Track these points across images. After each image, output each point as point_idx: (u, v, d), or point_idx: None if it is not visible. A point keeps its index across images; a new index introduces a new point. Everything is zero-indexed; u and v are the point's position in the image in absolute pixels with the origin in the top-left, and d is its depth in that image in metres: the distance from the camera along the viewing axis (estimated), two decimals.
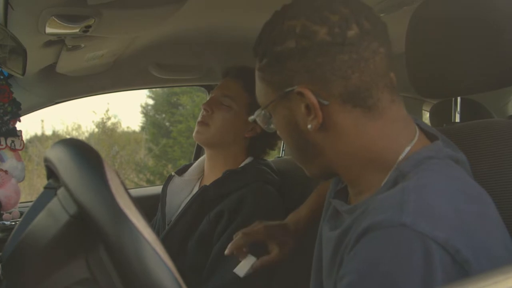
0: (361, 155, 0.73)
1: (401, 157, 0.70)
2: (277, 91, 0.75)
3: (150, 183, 6.45)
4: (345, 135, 0.73)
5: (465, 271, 0.58)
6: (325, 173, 0.80)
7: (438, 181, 0.66)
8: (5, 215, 1.47)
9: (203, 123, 1.37)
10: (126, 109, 9.93)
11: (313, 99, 0.71)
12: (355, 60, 0.69)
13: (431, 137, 0.76)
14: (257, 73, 0.78)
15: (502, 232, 0.67)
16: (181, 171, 1.48)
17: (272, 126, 0.81)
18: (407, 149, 0.71)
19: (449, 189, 0.65)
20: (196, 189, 1.42)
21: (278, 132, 0.81)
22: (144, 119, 7.32)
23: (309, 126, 0.73)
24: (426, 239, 0.58)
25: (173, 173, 1.48)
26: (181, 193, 1.44)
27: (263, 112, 0.80)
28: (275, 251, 1.03)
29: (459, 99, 0.97)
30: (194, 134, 1.39)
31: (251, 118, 0.83)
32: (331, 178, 0.90)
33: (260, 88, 0.79)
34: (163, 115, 7.14)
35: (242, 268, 1.01)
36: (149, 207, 1.51)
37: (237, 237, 1.04)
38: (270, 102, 0.77)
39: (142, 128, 7.39)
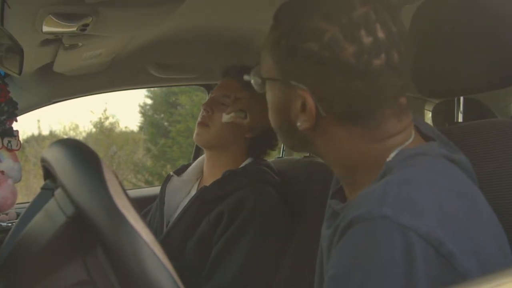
0: (350, 157, 0.73)
1: (391, 155, 0.69)
2: (281, 74, 0.72)
3: (149, 183, 6.45)
4: (335, 142, 0.72)
5: (450, 264, 0.57)
6: (307, 151, 0.79)
7: (424, 176, 0.65)
8: (1, 216, 1.46)
9: (203, 124, 1.36)
10: (124, 108, 9.96)
11: (312, 106, 0.69)
12: (368, 89, 0.67)
13: (428, 139, 0.75)
14: (268, 42, 0.74)
15: (496, 232, 0.66)
16: (179, 171, 1.47)
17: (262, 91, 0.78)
18: (398, 149, 0.70)
19: (435, 184, 0.64)
20: (194, 189, 1.42)
21: (268, 103, 0.78)
22: (142, 119, 7.33)
23: (298, 124, 0.72)
24: (407, 231, 0.57)
25: (171, 173, 1.47)
26: (179, 193, 1.43)
27: (259, 80, 0.77)
28: None
29: (461, 98, 0.97)
30: (194, 136, 1.38)
31: (245, 77, 0.79)
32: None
33: (265, 56, 0.75)
34: (162, 115, 7.14)
35: None
36: (148, 208, 1.51)
37: None
38: (270, 77, 0.74)
39: (141, 128, 7.40)
